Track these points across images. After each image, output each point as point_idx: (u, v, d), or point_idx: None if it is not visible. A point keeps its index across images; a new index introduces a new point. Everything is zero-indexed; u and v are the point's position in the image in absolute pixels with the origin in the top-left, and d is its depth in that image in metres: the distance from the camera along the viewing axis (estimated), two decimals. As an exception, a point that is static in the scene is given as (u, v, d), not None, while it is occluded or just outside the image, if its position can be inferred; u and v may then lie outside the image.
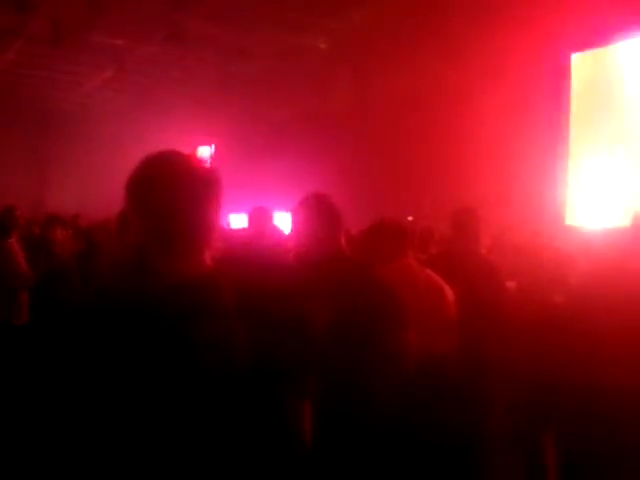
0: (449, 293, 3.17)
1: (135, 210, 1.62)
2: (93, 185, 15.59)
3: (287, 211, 3.32)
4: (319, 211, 2.76)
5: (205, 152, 17.57)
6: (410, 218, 8.17)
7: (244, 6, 9.69)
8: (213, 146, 17.51)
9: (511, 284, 3.97)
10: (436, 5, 9.07)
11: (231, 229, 6.86)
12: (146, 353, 1.48)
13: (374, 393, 2.40)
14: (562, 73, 8.76)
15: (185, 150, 1.77)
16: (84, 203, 13.75)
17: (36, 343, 4.55)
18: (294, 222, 2.85)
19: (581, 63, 8.68)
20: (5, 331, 5.15)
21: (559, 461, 2.94)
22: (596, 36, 8.03)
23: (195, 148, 17.37)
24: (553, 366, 2.81)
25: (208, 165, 1.74)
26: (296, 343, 1.80)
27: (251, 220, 4.18)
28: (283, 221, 5.13)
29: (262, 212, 4.22)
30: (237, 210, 9.98)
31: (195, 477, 1.50)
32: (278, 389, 1.68)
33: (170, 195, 1.57)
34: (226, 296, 1.62)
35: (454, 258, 3.91)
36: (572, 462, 2.84)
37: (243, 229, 4.88)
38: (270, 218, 4.32)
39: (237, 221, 8.75)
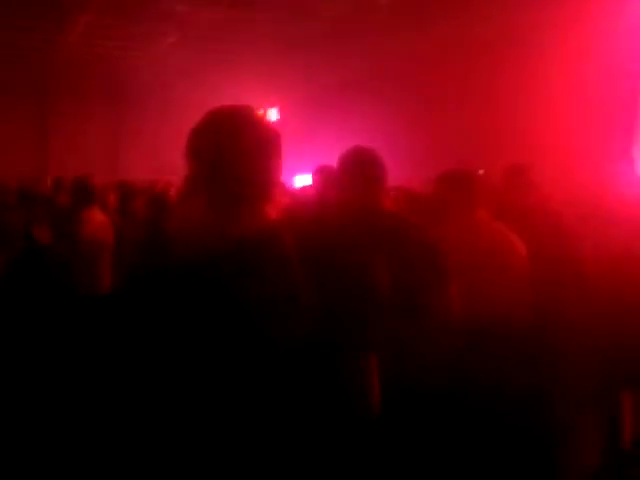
0: (520, 249, 3.05)
1: (194, 158, 1.66)
2: (164, 150, 15.84)
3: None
4: (355, 166, 2.76)
5: (271, 114, 17.58)
6: (481, 171, 7.91)
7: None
8: (277, 109, 17.51)
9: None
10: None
11: (296, 188, 6.85)
12: (217, 305, 1.52)
13: (419, 354, 2.37)
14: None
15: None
16: (156, 168, 14.07)
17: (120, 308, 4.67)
18: (340, 173, 2.85)
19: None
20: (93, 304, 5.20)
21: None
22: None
23: (260, 109, 17.42)
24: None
25: (271, 123, 1.77)
26: (361, 296, 1.79)
27: (315, 180, 4.16)
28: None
29: (326, 170, 4.19)
30: (302, 171, 9.98)
31: (254, 437, 1.52)
32: (343, 343, 1.68)
33: (233, 144, 1.62)
34: (290, 248, 1.64)
35: (522, 212, 3.82)
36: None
37: (308, 187, 4.88)
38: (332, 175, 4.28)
39: (302, 182, 8.74)
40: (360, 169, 2.74)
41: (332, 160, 3.11)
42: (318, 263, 1.65)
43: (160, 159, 15.41)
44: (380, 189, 2.76)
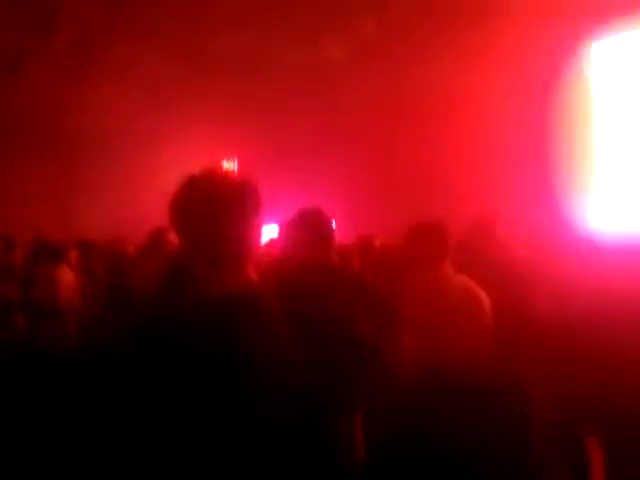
0: (485, 302, 3.15)
1: (179, 229, 1.70)
2: (116, 204, 15.64)
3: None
4: (306, 224, 2.90)
5: (229, 166, 17.59)
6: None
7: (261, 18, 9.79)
8: (236, 160, 17.53)
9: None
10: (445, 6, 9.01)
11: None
12: (196, 364, 1.53)
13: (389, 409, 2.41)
14: (580, 64, 8.49)
15: (208, 164, 1.83)
16: (109, 223, 13.83)
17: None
18: (286, 233, 3.03)
19: (600, 52, 8.35)
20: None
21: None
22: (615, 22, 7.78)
23: (217, 162, 17.42)
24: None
25: (247, 180, 1.79)
26: (348, 355, 1.81)
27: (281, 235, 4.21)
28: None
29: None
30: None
31: None
32: (330, 405, 1.69)
33: (211, 214, 1.64)
34: (274, 308, 1.67)
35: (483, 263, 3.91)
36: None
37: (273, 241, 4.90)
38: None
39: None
40: (310, 228, 2.88)
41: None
42: (301, 321, 1.68)
43: (114, 214, 15.14)
44: (331, 246, 2.90)
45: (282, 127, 13.64)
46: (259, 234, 1.74)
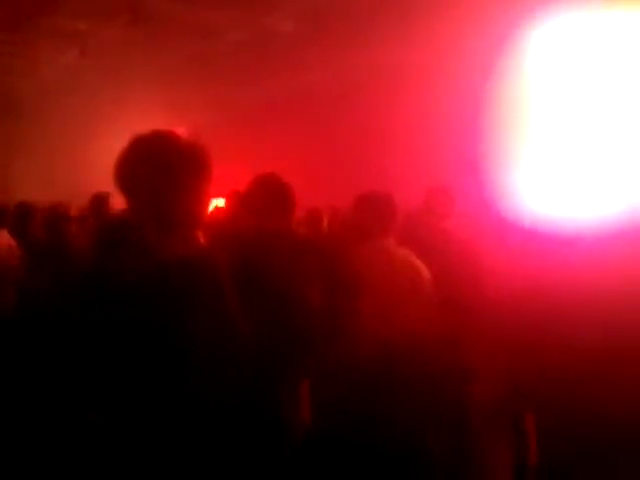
0: (426, 273, 3.21)
1: (126, 191, 1.65)
2: (58, 169, 15.29)
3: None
4: (268, 190, 2.91)
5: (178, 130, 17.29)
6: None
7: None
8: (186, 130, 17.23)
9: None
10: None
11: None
12: (142, 329, 1.50)
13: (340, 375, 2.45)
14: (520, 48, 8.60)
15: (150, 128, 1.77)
16: (50, 187, 13.51)
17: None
18: (247, 198, 2.97)
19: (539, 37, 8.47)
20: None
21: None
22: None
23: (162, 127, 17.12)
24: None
25: (197, 143, 1.75)
26: (298, 321, 1.80)
27: (228, 204, 4.21)
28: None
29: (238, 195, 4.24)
30: (216, 195, 9.92)
31: (183, 462, 1.51)
32: (279, 371, 1.69)
33: (160, 175, 1.60)
34: (224, 272, 1.65)
35: (426, 236, 3.98)
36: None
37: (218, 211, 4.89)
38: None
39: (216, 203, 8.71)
40: (273, 196, 2.85)
41: (242, 183, 3.18)
42: (251, 287, 1.68)
43: (57, 179, 14.83)
44: (292, 214, 2.89)
45: (227, 97, 13.50)
46: (208, 198, 1.70)
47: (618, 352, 2.62)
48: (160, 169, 1.61)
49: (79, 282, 1.69)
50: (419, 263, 3.24)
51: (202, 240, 1.68)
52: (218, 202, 4.82)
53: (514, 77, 8.38)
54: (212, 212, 5.41)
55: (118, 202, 2.17)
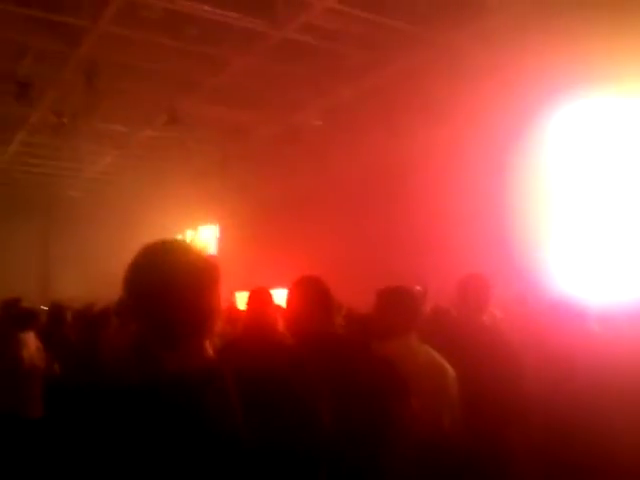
0: (450, 371, 3.11)
1: (132, 300, 1.63)
2: (99, 270, 15.58)
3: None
4: (311, 292, 2.86)
5: (210, 232, 17.56)
6: (418, 287, 7.48)
7: (240, 88, 10.01)
8: (218, 226, 17.48)
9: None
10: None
11: (235, 309, 6.82)
12: (151, 442, 1.47)
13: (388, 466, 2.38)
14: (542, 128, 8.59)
15: (189, 230, 1.78)
16: (91, 288, 13.73)
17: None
18: (288, 302, 2.90)
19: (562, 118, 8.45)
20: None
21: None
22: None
23: (198, 228, 17.48)
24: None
25: (206, 251, 1.76)
26: (307, 435, 1.75)
27: (250, 302, 4.17)
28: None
29: (261, 293, 4.21)
30: (242, 288, 9.96)
31: None
32: None
33: (166, 287, 1.58)
34: (229, 387, 1.60)
35: (455, 330, 3.83)
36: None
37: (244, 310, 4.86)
38: (269, 298, 4.30)
39: (242, 299, 8.75)
40: (316, 297, 2.84)
41: (269, 277, 3.17)
42: (259, 402, 1.63)
43: (93, 281, 15.08)
44: (332, 314, 2.86)
45: (260, 191, 13.80)
46: (216, 308, 1.66)
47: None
48: (163, 281, 1.59)
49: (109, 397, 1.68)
50: (443, 361, 3.14)
51: (209, 353, 1.64)
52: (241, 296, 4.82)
53: (537, 154, 8.42)
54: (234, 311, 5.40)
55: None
